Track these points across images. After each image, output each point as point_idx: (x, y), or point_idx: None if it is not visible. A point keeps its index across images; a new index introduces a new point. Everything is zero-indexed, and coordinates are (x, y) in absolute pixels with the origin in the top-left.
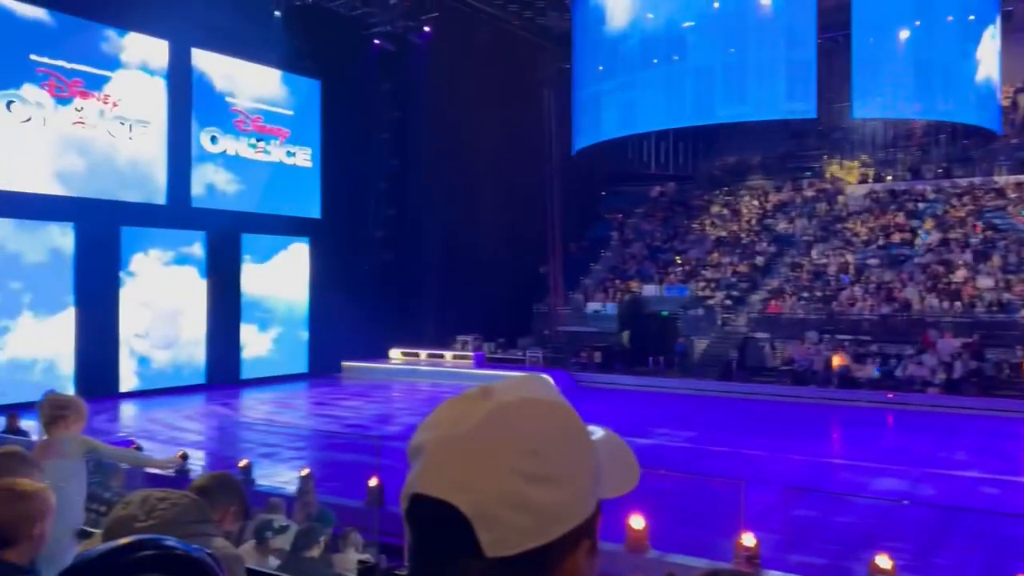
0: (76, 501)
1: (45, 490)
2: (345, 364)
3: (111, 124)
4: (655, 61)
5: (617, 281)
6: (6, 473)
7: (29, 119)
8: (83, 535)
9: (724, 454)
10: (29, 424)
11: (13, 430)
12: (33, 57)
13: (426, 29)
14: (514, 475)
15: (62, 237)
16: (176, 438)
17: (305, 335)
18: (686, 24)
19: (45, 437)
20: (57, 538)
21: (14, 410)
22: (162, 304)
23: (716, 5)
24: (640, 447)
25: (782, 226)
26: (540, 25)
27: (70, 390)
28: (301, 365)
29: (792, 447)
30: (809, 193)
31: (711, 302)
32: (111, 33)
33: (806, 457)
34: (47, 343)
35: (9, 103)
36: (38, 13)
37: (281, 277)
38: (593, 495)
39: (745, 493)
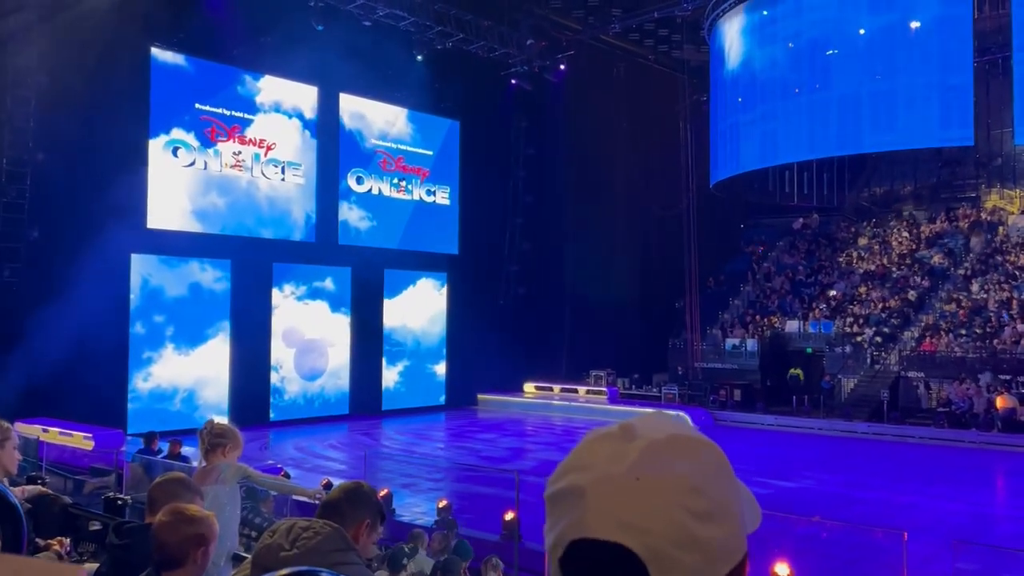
0: (232, 526)
1: (211, 516)
2: (481, 397)
3: (266, 167)
4: (796, 91)
5: (757, 316)
6: (172, 498)
7: (192, 163)
8: (237, 559)
9: (876, 500)
10: (187, 450)
11: (174, 456)
12: (197, 105)
13: (562, 67)
14: (683, 513)
15: (202, 273)
16: (320, 466)
17: (443, 368)
18: (829, 52)
19: (204, 464)
20: (214, 561)
21: (177, 436)
22: (309, 337)
23: (862, 31)
24: (785, 490)
25: (936, 259)
26: (675, 58)
27: (225, 419)
28: (438, 397)
29: (951, 494)
30: (965, 224)
31: (860, 339)
32: (264, 80)
33: (967, 506)
34: (201, 373)
35: (175, 149)
36: (201, 65)
37: (420, 311)
38: (744, 532)
39: (907, 544)
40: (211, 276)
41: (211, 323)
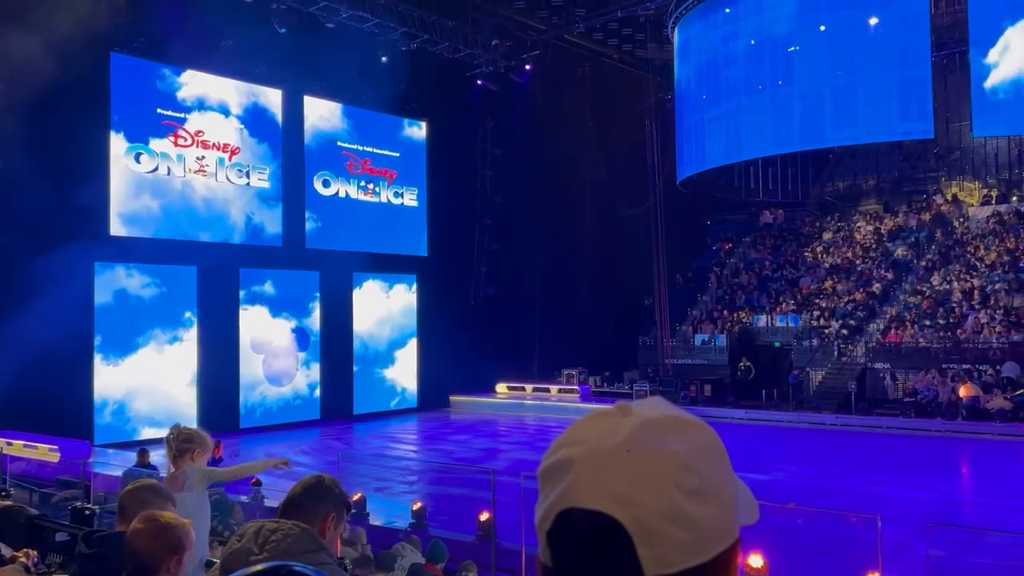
0: (202, 532)
1: (187, 524)
2: (453, 398)
3: (230, 171)
4: (760, 87)
5: (725, 312)
6: (144, 505)
7: (155, 169)
8: (209, 565)
9: (847, 491)
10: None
11: (144, 464)
12: (159, 111)
13: (527, 67)
14: (674, 489)
15: (167, 279)
16: (292, 472)
17: (413, 370)
18: (791, 49)
19: (172, 470)
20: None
21: (143, 446)
22: (278, 342)
23: (822, 28)
24: (756, 483)
25: (899, 252)
26: (640, 57)
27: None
28: (410, 400)
29: (919, 483)
30: (927, 217)
31: (827, 332)
32: (228, 84)
33: (936, 494)
34: (168, 380)
35: (137, 155)
36: (162, 70)
37: (390, 314)
38: (736, 518)
39: (881, 529)
40: (177, 283)
41: (177, 330)
